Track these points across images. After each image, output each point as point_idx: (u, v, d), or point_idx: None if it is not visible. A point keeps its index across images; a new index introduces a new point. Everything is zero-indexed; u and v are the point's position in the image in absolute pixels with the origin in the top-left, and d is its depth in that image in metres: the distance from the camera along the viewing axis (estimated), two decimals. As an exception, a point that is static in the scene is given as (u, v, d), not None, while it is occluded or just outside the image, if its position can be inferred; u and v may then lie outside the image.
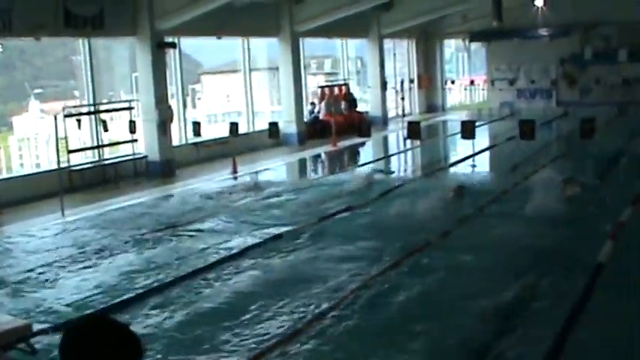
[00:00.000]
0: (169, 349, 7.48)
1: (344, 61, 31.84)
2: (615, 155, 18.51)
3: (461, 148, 21.21)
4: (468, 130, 18.00)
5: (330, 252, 10.77)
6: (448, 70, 40.68)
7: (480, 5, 31.03)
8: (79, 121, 17.72)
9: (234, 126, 20.40)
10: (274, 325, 7.99)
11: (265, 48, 27.33)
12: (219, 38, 23.38)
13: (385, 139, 27.44)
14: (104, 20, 18.14)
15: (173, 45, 20.28)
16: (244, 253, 10.97)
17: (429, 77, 36.74)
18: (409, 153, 22.79)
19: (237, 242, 11.64)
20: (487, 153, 21.80)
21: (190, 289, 9.45)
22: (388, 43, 33.22)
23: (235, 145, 20.40)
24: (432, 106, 36.90)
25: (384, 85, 31.37)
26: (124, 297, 9.18)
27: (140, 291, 9.40)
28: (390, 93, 32.53)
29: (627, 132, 23.01)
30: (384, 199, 14.72)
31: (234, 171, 19.09)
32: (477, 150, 20.21)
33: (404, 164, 22.11)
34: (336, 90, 29.03)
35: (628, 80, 33.34)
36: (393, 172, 19.49)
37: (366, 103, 31.78)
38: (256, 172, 19.21)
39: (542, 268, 9.28)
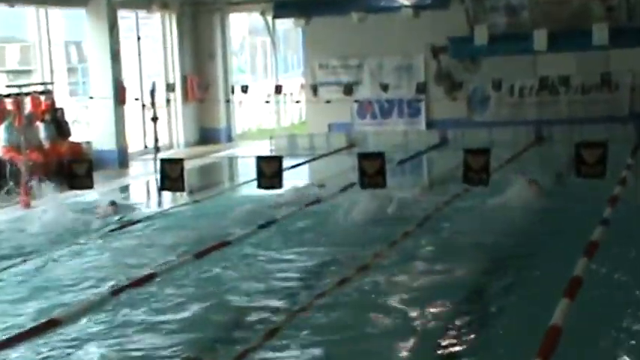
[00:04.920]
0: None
1: (43, 49, 29.13)
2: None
3: (252, 207, 19.05)
4: (268, 175, 17.20)
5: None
6: (238, 69, 39.42)
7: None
8: None
9: None
10: None
11: None
12: None
13: (124, 190, 25.32)
14: None
15: None
16: None
17: (202, 81, 34.34)
18: (158, 222, 18.62)
19: None
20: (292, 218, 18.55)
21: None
22: (128, 19, 31.66)
23: None
24: (208, 133, 35.28)
25: (120, 94, 29.12)
26: None
27: None
28: (132, 108, 30.47)
29: (549, 172, 21.65)
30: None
31: None
32: (279, 216, 18.05)
33: (142, 245, 17.09)
34: (28, 103, 26.76)
35: (547, 81, 31.10)
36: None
37: (88, 127, 30.36)
38: None
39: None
